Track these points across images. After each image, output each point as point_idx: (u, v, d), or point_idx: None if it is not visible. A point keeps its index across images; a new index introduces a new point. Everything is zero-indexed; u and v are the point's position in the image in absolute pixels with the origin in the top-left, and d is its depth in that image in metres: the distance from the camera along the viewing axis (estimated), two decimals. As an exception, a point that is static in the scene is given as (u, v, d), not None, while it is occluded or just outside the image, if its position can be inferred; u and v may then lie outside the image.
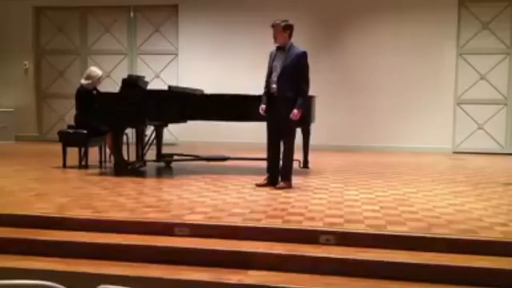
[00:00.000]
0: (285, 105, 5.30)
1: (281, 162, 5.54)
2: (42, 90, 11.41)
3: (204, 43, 10.41)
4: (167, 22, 10.84)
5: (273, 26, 5.37)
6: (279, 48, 5.45)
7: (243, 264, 3.50)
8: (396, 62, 9.79)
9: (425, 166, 7.72)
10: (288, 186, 5.47)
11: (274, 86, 5.39)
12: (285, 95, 5.31)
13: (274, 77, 5.38)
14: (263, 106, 5.48)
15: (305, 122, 6.84)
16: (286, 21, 5.38)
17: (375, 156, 8.87)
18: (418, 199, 5.00)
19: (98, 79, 7.05)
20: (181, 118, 6.78)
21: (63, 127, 7.54)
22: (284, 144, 5.47)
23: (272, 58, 5.47)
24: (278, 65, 5.37)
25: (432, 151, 9.55)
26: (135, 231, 3.94)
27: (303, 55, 5.36)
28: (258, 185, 5.53)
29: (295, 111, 5.28)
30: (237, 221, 4.05)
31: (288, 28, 5.38)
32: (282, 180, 5.51)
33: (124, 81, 6.63)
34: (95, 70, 7.13)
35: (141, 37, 10.96)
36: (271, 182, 5.53)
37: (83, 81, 7.02)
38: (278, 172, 5.56)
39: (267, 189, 5.43)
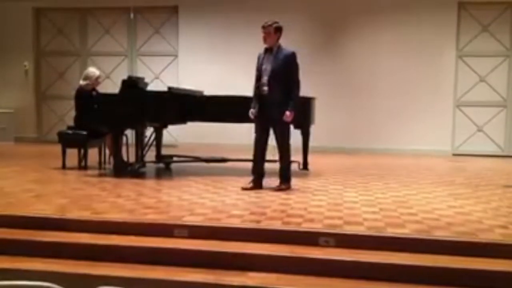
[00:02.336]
0: (277, 107, 5.28)
1: (278, 165, 5.53)
2: (42, 91, 11.41)
3: (204, 44, 10.41)
4: (167, 24, 10.85)
5: (264, 27, 5.33)
6: (267, 50, 5.42)
7: (242, 266, 3.50)
8: (396, 64, 9.79)
9: (425, 168, 7.72)
10: (288, 187, 5.47)
11: (265, 88, 5.37)
12: (277, 96, 5.29)
13: (265, 80, 5.36)
14: (252, 110, 5.45)
15: (304, 124, 6.85)
16: (277, 22, 5.35)
17: (375, 158, 8.88)
18: (417, 201, 5.00)
19: (96, 79, 7.04)
20: (181, 119, 6.77)
21: (63, 128, 7.53)
22: (280, 147, 5.44)
23: (261, 61, 5.43)
24: (268, 67, 5.34)
25: (431, 153, 9.55)
26: (134, 233, 3.94)
27: (293, 55, 5.34)
28: (244, 189, 5.47)
29: (287, 112, 5.26)
30: (236, 223, 4.05)
31: (279, 30, 5.36)
32: (282, 182, 5.50)
33: (124, 82, 6.62)
34: (92, 71, 7.14)
35: (141, 38, 10.97)
36: (257, 185, 5.51)
37: (81, 82, 7.02)
38: (264, 175, 5.55)
39: (266, 190, 5.42)
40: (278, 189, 5.42)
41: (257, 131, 5.50)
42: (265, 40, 5.35)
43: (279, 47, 5.37)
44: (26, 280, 2.16)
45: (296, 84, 5.35)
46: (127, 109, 6.20)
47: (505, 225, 4.08)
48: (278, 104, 5.28)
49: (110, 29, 11.07)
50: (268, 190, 5.42)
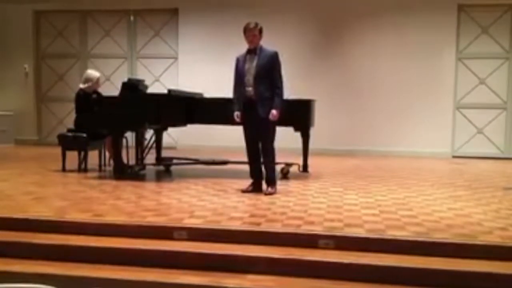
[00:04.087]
0: (264, 106, 5.26)
1: (263, 168, 5.48)
2: (42, 93, 11.43)
3: (204, 47, 10.42)
4: (167, 26, 10.86)
5: (250, 29, 5.33)
6: (249, 52, 5.42)
7: (242, 268, 3.49)
8: (396, 66, 9.80)
9: (425, 170, 7.71)
10: (274, 191, 5.42)
11: (250, 89, 5.33)
12: (263, 96, 5.28)
13: (250, 80, 5.33)
14: (238, 113, 5.41)
15: (304, 126, 6.85)
16: (258, 23, 5.40)
17: (375, 160, 8.87)
18: (417, 203, 5.00)
19: (97, 81, 7.05)
20: (181, 121, 6.78)
21: (63, 130, 7.53)
22: (263, 149, 5.40)
23: (242, 63, 5.40)
24: (252, 68, 5.33)
25: (431, 155, 9.55)
26: (134, 235, 3.93)
27: (276, 55, 5.37)
28: (244, 191, 5.47)
29: (273, 111, 5.25)
30: (236, 225, 4.05)
31: (262, 31, 5.41)
32: (269, 185, 5.45)
33: (124, 84, 6.63)
34: (92, 73, 7.14)
35: (141, 40, 10.98)
36: (256, 187, 5.50)
37: (81, 86, 7.01)
38: (262, 177, 5.53)
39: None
40: (268, 193, 5.36)
41: (246, 134, 5.47)
42: (252, 42, 5.37)
43: (261, 48, 5.40)
44: (25, 283, 2.15)
45: (280, 82, 5.36)
46: (127, 111, 6.20)
47: (505, 227, 4.08)
48: (265, 102, 5.26)
49: (110, 32, 11.08)
50: (267, 193, 5.41)
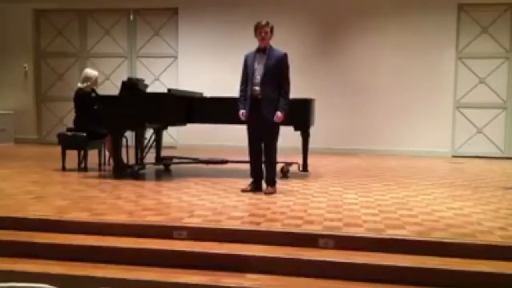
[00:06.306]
0: (269, 107, 5.25)
1: (264, 167, 5.46)
2: (42, 92, 11.42)
3: (204, 46, 10.43)
4: (167, 25, 10.86)
5: (262, 26, 5.28)
6: (258, 51, 5.39)
7: (242, 267, 3.50)
8: (396, 65, 9.80)
9: (424, 169, 7.72)
10: (274, 191, 5.42)
11: (257, 88, 5.31)
12: (269, 96, 5.26)
13: (257, 80, 5.30)
14: (243, 111, 5.39)
15: (304, 125, 6.85)
16: (269, 21, 5.36)
17: (374, 160, 8.88)
18: (417, 203, 5.00)
19: (95, 80, 7.06)
20: (181, 121, 6.77)
21: (62, 129, 7.53)
22: (265, 145, 5.39)
23: (251, 61, 5.37)
24: (260, 67, 5.31)
25: (431, 154, 9.56)
26: (134, 234, 3.94)
27: (285, 56, 5.36)
28: (243, 191, 5.47)
29: (278, 113, 5.24)
30: (236, 225, 4.05)
31: (273, 30, 5.38)
32: (269, 185, 5.45)
33: (124, 84, 6.63)
34: (91, 72, 7.13)
35: (141, 40, 10.98)
36: (256, 187, 5.50)
37: (80, 85, 7.00)
38: (262, 176, 5.52)
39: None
40: (267, 192, 5.36)
41: (250, 133, 5.47)
42: (263, 39, 5.32)
43: (271, 48, 5.38)
44: (25, 282, 2.15)
45: (287, 84, 5.35)
46: (127, 111, 6.20)
47: (505, 226, 4.08)
48: (270, 102, 5.25)
49: (110, 31, 11.08)
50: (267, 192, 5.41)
